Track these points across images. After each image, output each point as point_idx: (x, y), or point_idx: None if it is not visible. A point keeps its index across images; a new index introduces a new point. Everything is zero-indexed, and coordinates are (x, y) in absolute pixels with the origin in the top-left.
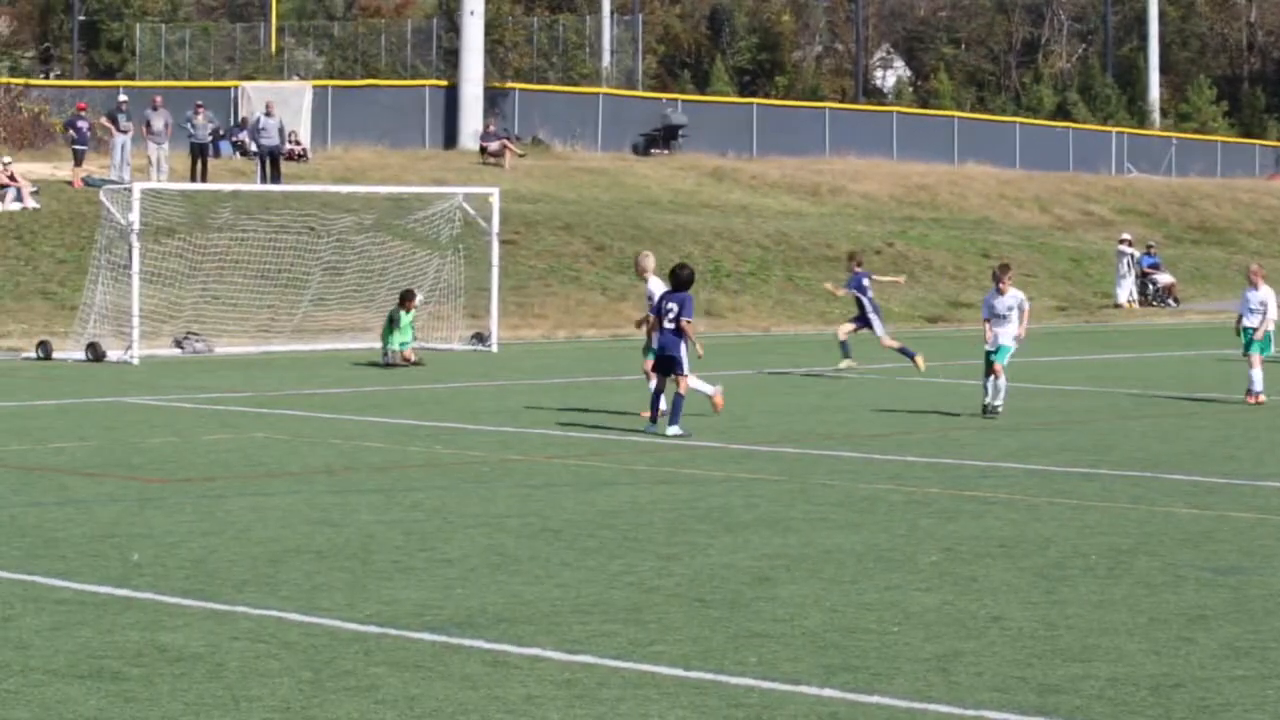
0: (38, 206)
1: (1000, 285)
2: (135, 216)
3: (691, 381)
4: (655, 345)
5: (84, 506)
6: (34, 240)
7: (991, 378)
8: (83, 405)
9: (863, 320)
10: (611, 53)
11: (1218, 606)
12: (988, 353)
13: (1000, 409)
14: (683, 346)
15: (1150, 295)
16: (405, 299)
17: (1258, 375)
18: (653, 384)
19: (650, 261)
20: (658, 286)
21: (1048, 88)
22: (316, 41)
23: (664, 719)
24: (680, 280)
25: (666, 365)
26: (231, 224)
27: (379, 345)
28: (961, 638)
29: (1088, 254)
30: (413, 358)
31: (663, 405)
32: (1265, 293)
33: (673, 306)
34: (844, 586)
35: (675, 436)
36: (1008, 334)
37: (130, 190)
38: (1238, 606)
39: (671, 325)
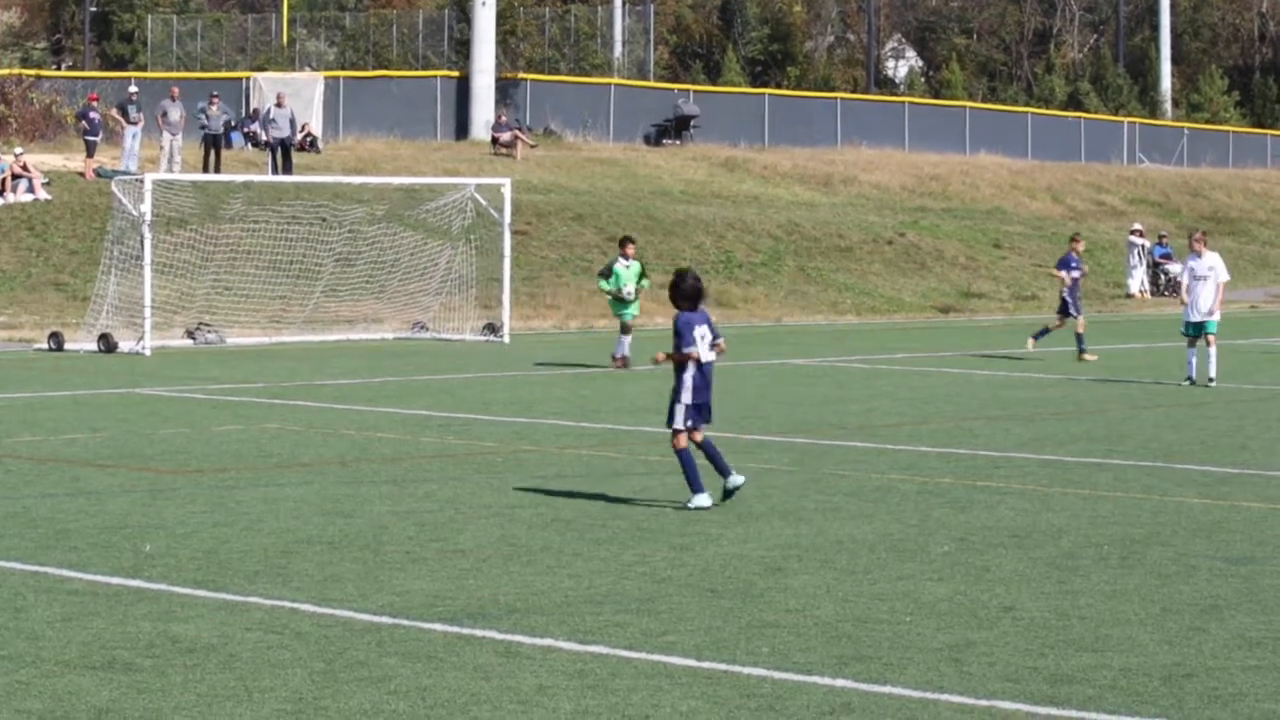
0: (49, 198)
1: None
2: (147, 207)
3: None
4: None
5: (96, 498)
6: (46, 231)
7: (1207, 350)
8: (94, 396)
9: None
10: (623, 43)
11: (1230, 597)
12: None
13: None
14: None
15: (1162, 285)
16: (624, 244)
17: None
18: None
19: None
20: None
21: (1059, 78)
22: (328, 32)
23: (676, 709)
24: (692, 293)
25: (705, 413)
26: (243, 215)
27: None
28: (974, 628)
29: (1100, 244)
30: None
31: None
32: None
33: (705, 330)
34: (856, 577)
35: (737, 487)
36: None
37: (142, 181)
38: (1250, 596)
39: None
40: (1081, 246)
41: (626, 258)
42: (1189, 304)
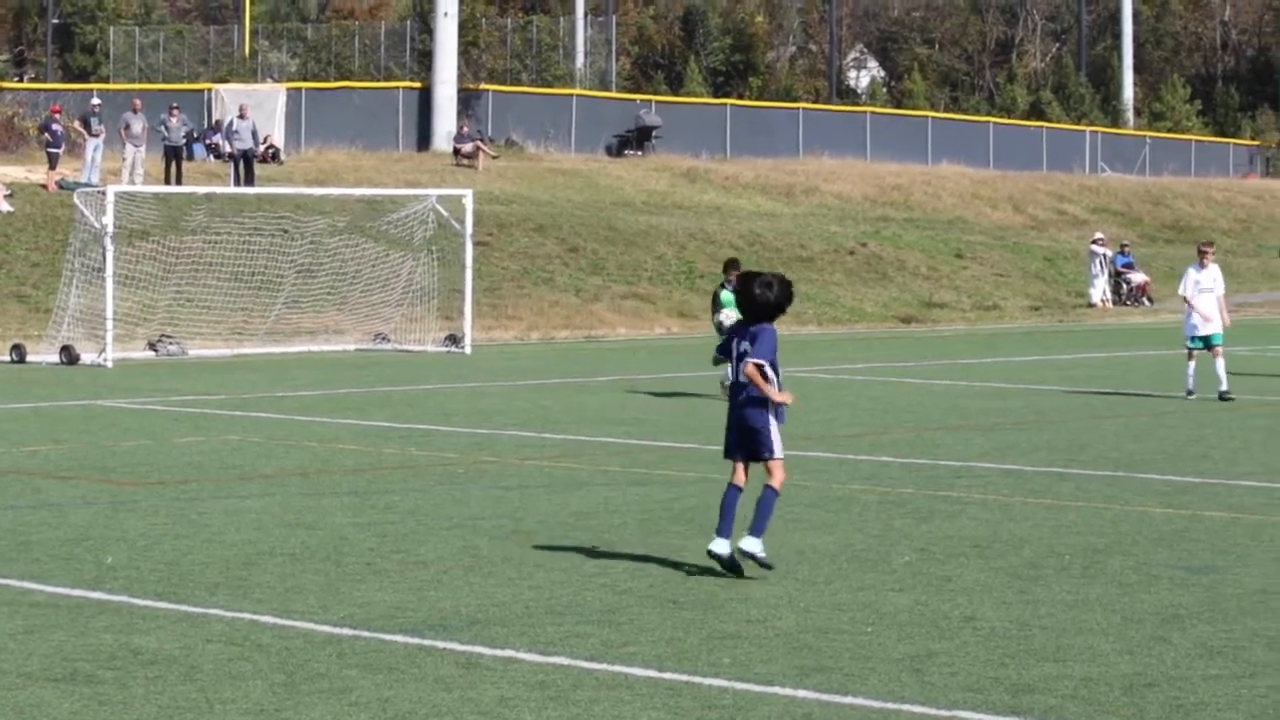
0: (12, 210)
1: (1203, 260)
2: (109, 219)
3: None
4: (730, 416)
5: (58, 509)
6: (8, 244)
7: (1215, 361)
8: (56, 408)
9: None
10: (585, 54)
11: (1191, 606)
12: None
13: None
14: (770, 411)
15: (1124, 294)
16: (728, 268)
17: None
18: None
19: None
20: None
21: (1021, 87)
22: (290, 44)
23: None
24: (755, 304)
25: (749, 444)
26: (205, 226)
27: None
28: (935, 638)
29: (1061, 254)
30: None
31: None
32: None
33: (746, 347)
34: (818, 587)
35: (752, 556)
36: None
37: (104, 193)
38: (1211, 606)
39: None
40: None
41: (730, 283)
42: (1196, 316)
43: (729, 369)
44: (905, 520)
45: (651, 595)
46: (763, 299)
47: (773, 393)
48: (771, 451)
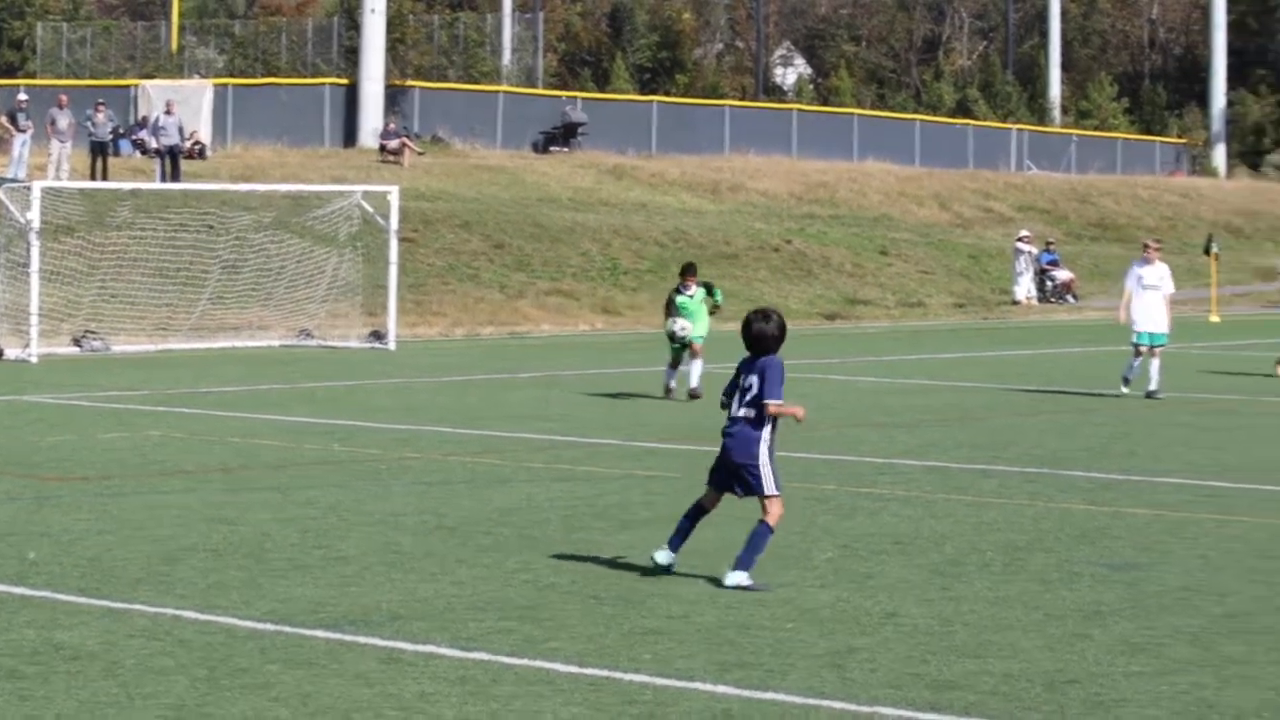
0: None
1: (1147, 255)
2: (35, 215)
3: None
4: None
5: None
6: None
7: (1151, 361)
8: None
9: None
10: (512, 51)
11: (1113, 603)
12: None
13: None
14: (763, 447)
15: (1049, 292)
16: (685, 273)
17: None
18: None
19: None
20: None
21: (948, 85)
22: (217, 40)
23: (558, 716)
24: (759, 337)
25: (731, 479)
26: (130, 222)
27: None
28: (856, 634)
29: (987, 251)
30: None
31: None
32: None
33: (752, 382)
34: None
35: (741, 588)
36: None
37: (30, 189)
38: (1133, 603)
39: (748, 412)
40: None
41: (686, 289)
42: (1139, 313)
43: (667, 372)
44: (827, 517)
45: (573, 591)
46: (759, 332)
47: (795, 411)
48: (765, 489)
